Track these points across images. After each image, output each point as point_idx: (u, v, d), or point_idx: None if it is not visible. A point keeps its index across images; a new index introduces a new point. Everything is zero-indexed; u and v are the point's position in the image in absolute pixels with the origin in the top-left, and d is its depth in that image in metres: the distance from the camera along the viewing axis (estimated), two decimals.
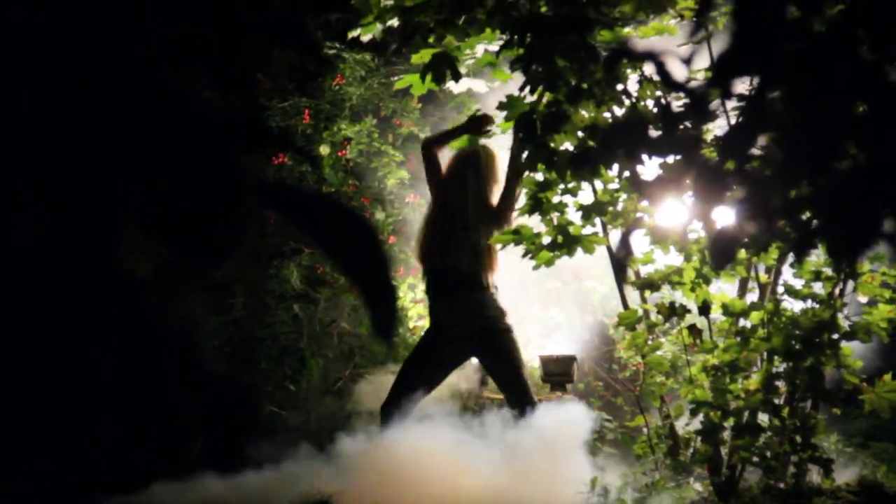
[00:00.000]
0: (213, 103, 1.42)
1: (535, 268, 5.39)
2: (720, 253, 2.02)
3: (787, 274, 5.44)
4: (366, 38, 5.70)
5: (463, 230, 5.97)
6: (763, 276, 5.49)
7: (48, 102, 1.42)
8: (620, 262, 5.43)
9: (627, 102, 4.95)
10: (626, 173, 4.95)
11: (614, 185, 5.30)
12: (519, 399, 5.78)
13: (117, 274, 1.41)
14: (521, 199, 5.59)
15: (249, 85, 1.54)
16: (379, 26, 5.53)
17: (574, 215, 5.34)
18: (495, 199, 6.05)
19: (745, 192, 1.97)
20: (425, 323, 7.95)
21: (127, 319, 1.41)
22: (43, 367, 1.47)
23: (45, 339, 1.45)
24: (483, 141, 6.29)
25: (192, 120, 1.39)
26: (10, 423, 1.53)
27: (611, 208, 5.30)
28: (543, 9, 4.90)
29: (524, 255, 5.34)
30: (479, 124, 6.20)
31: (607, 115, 4.95)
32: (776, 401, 5.22)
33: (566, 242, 5.27)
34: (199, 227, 1.33)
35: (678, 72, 1.93)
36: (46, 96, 1.42)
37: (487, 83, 6.24)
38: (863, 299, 5.36)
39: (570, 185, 5.26)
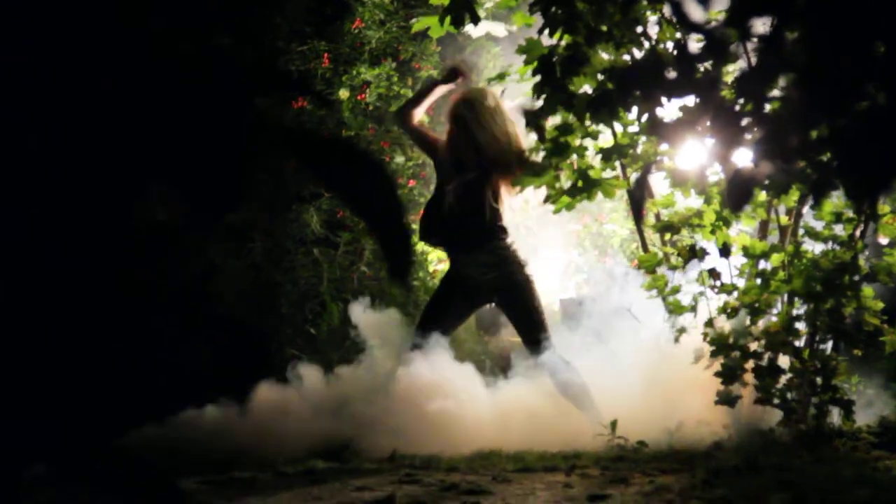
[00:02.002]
0: (226, 48, 1.42)
1: (556, 212, 5.37)
2: (737, 193, 2.02)
3: (808, 216, 5.42)
4: None
5: (478, 187, 5.81)
6: (783, 219, 5.47)
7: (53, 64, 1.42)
8: (638, 203, 5.41)
9: (646, 45, 4.92)
10: (646, 116, 4.92)
11: (634, 128, 5.27)
12: (535, 342, 5.77)
13: (130, 229, 1.41)
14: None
15: (266, 29, 1.54)
16: None
17: (594, 159, 5.31)
18: (511, 136, 5.82)
19: (764, 133, 1.97)
20: (445, 267, 7.97)
21: (137, 275, 1.42)
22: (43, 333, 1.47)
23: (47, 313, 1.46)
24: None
25: (205, 67, 1.39)
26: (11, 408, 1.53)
27: (630, 151, 5.27)
28: None
29: (545, 200, 5.32)
30: (453, 75, 6.04)
31: (626, 57, 4.91)
32: (797, 343, 5.22)
33: (586, 186, 5.24)
34: (210, 173, 1.33)
35: (696, 13, 1.92)
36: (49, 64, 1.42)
37: (506, 26, 6.19)
38: (884, 240, 5.34)
39: (590, 129, 5.23)
